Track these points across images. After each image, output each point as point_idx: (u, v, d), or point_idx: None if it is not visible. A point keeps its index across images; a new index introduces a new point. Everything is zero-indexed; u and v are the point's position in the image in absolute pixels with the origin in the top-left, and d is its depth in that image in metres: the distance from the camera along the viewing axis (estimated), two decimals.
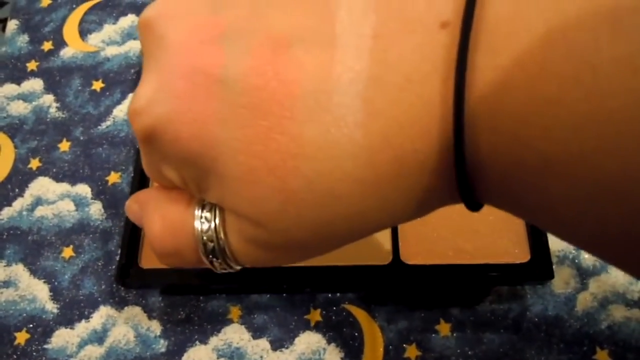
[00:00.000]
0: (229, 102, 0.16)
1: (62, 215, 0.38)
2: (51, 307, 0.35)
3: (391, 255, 0.31)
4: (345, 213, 0.16)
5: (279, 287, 0.34)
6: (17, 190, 0.39)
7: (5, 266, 0.36)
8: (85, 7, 0.46)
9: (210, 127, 0.16)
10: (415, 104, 0.14)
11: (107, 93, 0.42)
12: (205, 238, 0.18)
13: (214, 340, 0.33)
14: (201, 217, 0.19)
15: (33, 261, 0.36)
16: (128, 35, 0.44)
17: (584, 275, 0.33)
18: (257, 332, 0.33)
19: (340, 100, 0.15)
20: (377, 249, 0.32)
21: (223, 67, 0.16)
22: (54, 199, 0.38)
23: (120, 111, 0.41)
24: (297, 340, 0.33)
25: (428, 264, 0.31)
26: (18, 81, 0.43)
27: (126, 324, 0.34)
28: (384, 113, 0.15)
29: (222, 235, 0.18)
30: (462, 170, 0.15)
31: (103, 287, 0.35)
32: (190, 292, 0.34)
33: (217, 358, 0.33)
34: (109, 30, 0.45)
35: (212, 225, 0.18)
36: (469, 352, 0.32)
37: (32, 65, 0.44)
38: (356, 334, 0.33)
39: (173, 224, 0.19)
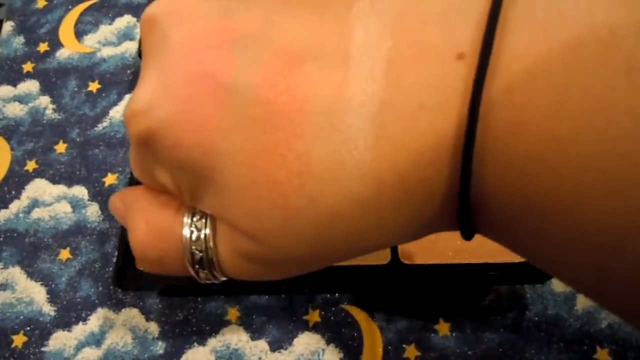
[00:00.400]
0: (236, 112, 0.15)
1: (58, 217, 0.37)
2: (48, 309, 0.35)
3: (390, 255, 0.31)
4: (344, 233, 0.16)
5: (278, 288, 0.34)
6: (13, 192, 0.39)
7: (2, 269, 0.36)
8: (81, 8, 0.46)
9: (214, 136, 0.16)
10: (427, 132, 0.14)
11: (104, 94, 0.42)
12: (193, 247, 0.18)
13: (212, 342, 0.33)
14: (191, 225, 0.18)
15: (30, 263, 0.36)
16: (124, 36, 0.44)
17: None
18: (255, 333, 0.33)
19: (351, 122, 0.15)
20: None
21: (233, 75, 0.15)
22: (51, 201, 0.38)
23: (116, 112, 0.41)
24: (295, 341, 0.33)
25: (427, 264, 0.31)
26: (14, 83, 0.43)
27: (124, 326, 0.34)
28: (395, 138, 0.14)
29: (212, 245, 0.18)
30: (466, 203, 0.15)
31: (100, 289, 0.35)
32: (188, 294, 0.34)
33: (216, 359, 0.32)
34: (105, 31, 0.45)
35: (202, 234, 0.18)
36: (469, 352, 0.31)
37: (28, 67, 0.44)
38: (355, 334, 0.32)
39: (159, 230, 0.18)
